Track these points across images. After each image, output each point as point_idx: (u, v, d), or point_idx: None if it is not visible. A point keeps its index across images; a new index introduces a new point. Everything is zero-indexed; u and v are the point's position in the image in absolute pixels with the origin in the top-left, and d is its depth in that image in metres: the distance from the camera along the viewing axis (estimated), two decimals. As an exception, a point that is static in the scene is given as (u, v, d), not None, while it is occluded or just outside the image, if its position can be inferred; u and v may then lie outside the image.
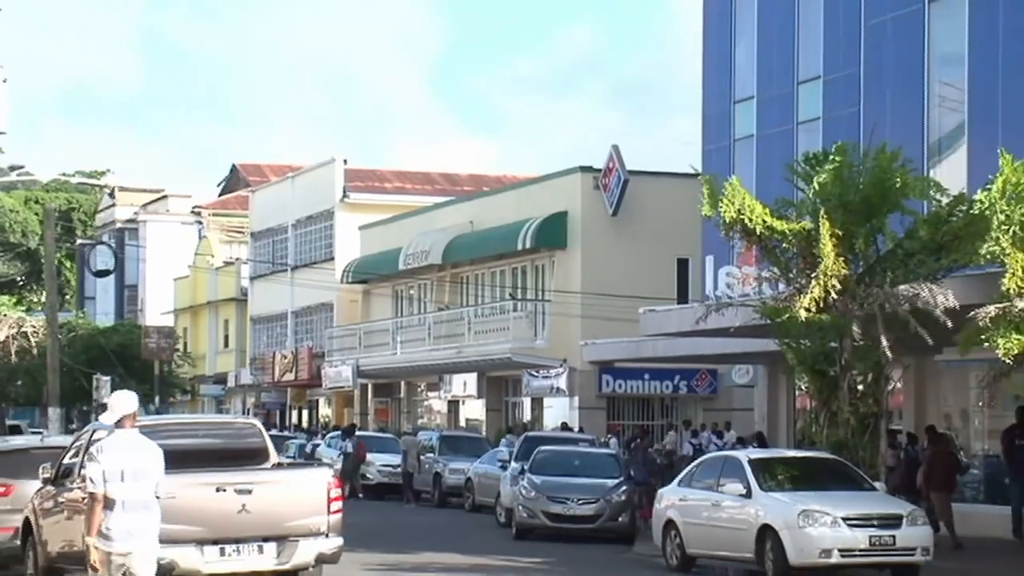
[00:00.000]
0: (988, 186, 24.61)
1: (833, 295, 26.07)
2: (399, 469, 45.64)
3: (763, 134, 38.45)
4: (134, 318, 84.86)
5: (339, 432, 54.47)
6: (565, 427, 47.96)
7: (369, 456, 47.62)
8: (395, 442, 49.56)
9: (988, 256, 24.12)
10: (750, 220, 26.79)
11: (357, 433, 52.54)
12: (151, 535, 14.29)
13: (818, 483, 25.07)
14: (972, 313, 22.96)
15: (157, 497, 14.36)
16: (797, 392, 38.18)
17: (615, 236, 51.02)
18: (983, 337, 22.35)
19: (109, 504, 14.11)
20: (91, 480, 14.24)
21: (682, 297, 46.14)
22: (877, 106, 34.43)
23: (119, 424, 14.47)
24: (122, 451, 14.24)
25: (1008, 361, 22.99)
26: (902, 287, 26.10)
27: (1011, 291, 22.59)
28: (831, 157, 27.51)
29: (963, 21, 32.37)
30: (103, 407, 59.74)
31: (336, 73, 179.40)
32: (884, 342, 26.06)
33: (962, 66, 32.50)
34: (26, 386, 68.61)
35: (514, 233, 53.75)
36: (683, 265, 47.59)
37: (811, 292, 26.03)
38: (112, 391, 58.75)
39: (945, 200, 27.33)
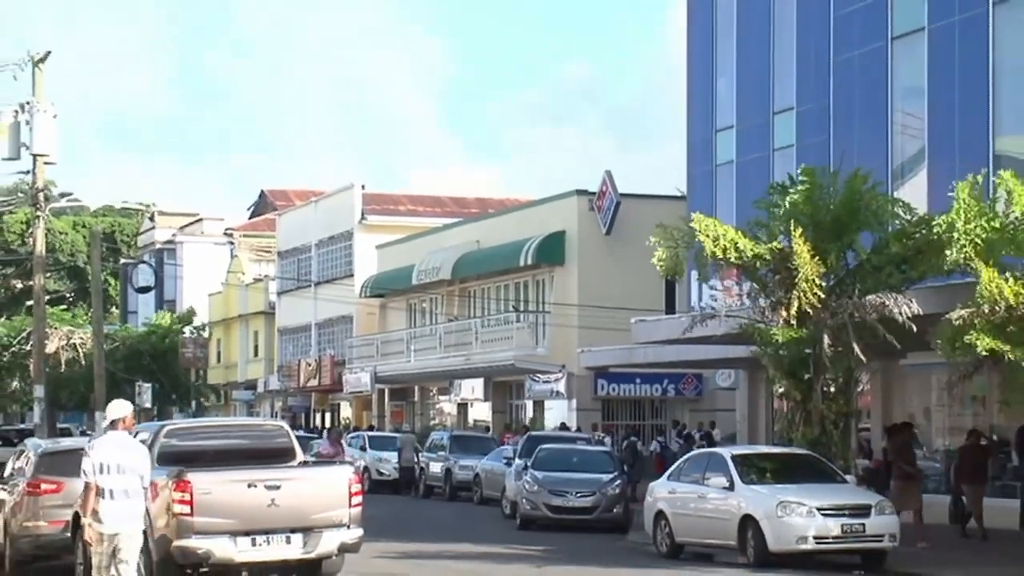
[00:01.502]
0: (947, 210, 24.44)
1: (808, 308, 26.08)
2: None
3: (742, 160, 38.42)
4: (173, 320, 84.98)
5: (359, 433, 54.56)
6: (563, 427, 47.95)
7: (384, 454, 47.75)
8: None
9: (954, 266, 23.91)
10: (731, 247, 26.81)
11: (372, 433, 52.61)
12: (136, 519, 15.49)
13: (795, 476, 25.04)
14: (946, 315, 22.85)
15: (144, 488, 15.57)
16: (775, 394, 38.14)
17: (608, 253, 51.02)
18: (965, 339, 22.20)
19: (100, 492, 15.31)
20: (84, 472, 15.56)
21: (670, 308, 46.10)
22: (846, 134, 34.42)
23: (112, 426, 15.87)
24: (111, 448, 15.56)
25: (984, 355, 22.59)
26: (870, 297, 26.11)
27: (983, 296, 22.42)
28: (800, 179, 27.60)
29: (923, 57, 32.38)
30: (146, 411, 59.90)
31: (355, 106, 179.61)
32: (856, 348, 26.08)
33: (922, 98, 32.49)
34: (75, 392, 68.64)
35: (517, 251, 53.76)
36: (670, 279, 47.58)
37: (793, 305, 26.07)
38: (153, 398, 59.11)
39: (910, 218, 27.40)
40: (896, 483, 27.82)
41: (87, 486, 15.50)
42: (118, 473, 15.40)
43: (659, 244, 27.90)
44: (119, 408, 15.99)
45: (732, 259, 27.04)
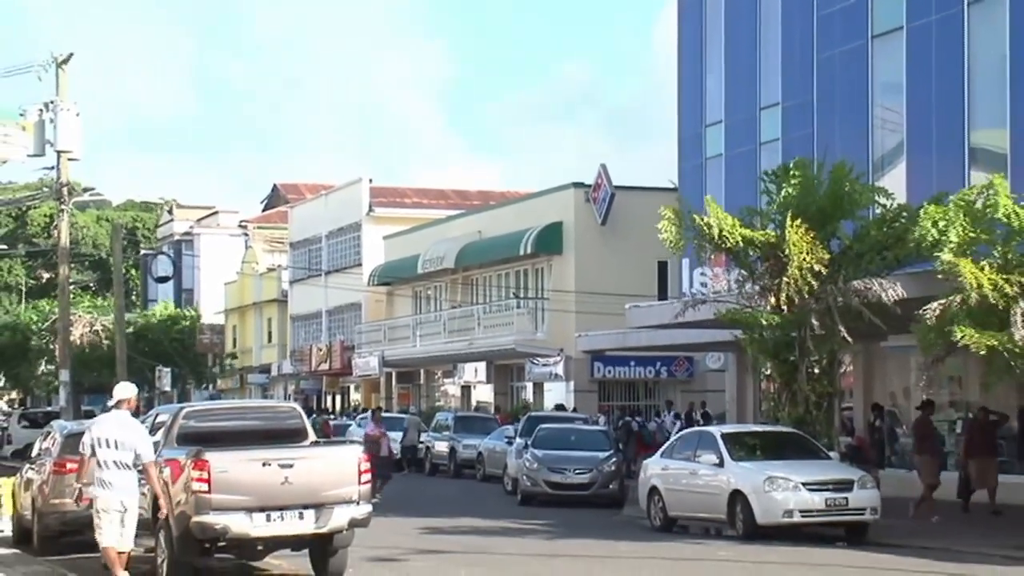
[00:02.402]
0: (928, 200, 24.23)
1: (795, 296, 26.06)
2: (419, 444, 45.65)
3: (730, 154, 38.38)
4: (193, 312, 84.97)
5: (369, 413, 54.50)
6: (559, 407, 47.97)
7: (391, 434, 47.60)
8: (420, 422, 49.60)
9: (947, 266, 23.49)
10: (729, 233, 26.78)
11: (382, 415, 52.49)
12: (132, 487, 16.36)
13: (781, 453, 25.03)
14: (923, 309, 22.79)
15: (139, 463, 16.31)
16: (762, 375, 38.12)
17: (604, 243, 51.01)
18: (946, 330, 22.09)
19: (101, 463, 16.14)
20: (82, 444, 16.59)
21: (662, 295, 46.09)
22: (828, 128, 34.37)
23: (116, 406, 16.63)
24: (112, 425, 16.40)
25: (976, 350, 22.36)
26: (855, 282, 26.10)
27: (964, 289, 22.28)
28: (792, 172, 27.54)
29: (901, 55, 32.32)
30: (165, 395, 59.90)
31: (363, 104, 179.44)
32: (841, 331, 26.07)
33: (901, 93, 32.43)
34: (99, 376, 68.61)
35: (517, 241, 53.72)
36: (663, 267, 47.53)
37: (783, 291, 26.06)
38: (172, 381, 59.12)
39: (890, 205, 27.39)
40: (919, 458, 27.58)
41: (82, 458, 16.52)
42: (116, 448, 16.21)
43: (667, 222, 27.74)
44: (126, 390, 16.80)
45: (728, 244, 27.01)
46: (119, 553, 16.19)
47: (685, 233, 27.83)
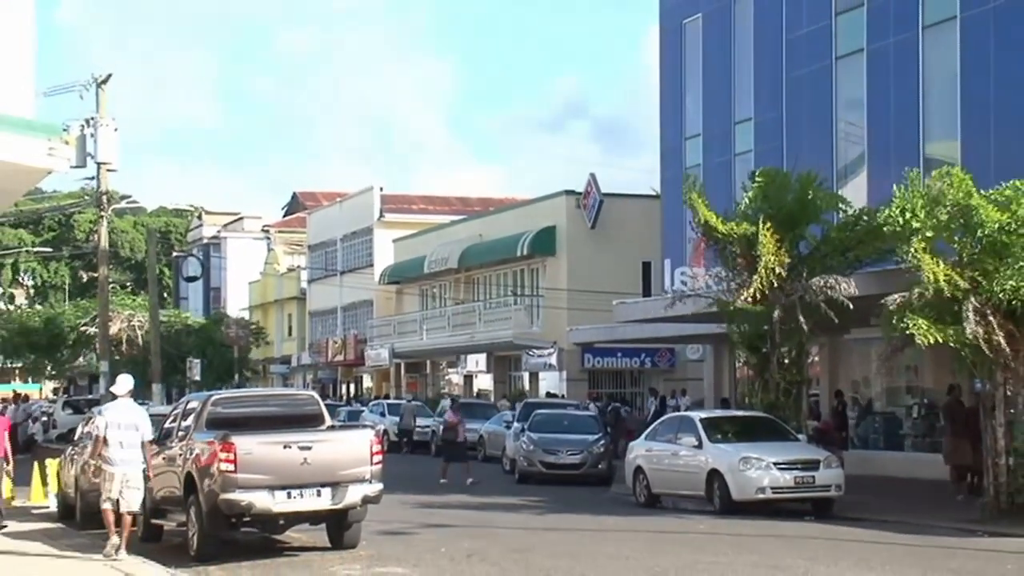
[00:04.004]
0: (887, 206, 23.69)
1: (767, 290, 26.08)
2: (428, 429, 45.63)
3: (708, 164, 38.40)
4: (220, 310, 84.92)
5: (379, 400, 54.53)
6: (549, 395, 47.96)
7: (391, 417, 47.26)
8: (424, 407, 49.54)
9: (912, 258, 22.81)
10: (721, 225, 26.91)
11: (391, 401, 52.23)
12: (137, 463, 17.46)
13: (754, 436, 25.05)
14: (883, 300, 22.71)
15: (143, 442, 17.54)
16: (737, 364, 38.18)
17: (593, 245, 51.00)
18: (902, 323, 21.91)
19: (111, 443, 17.37)
20: (96, 427, 17.92)
21: (646, 292, 46.12)
22: (796, 140, 34.40)
23: (122, 395, 17.93)
24: (121, 411, 17.69)
25: (923, 341, 22.02)
26: (815, 279, 26.14)
27: (923, 283, 22.03)
28: (757, 178, 27.70)
29: (862, 74, 32.35)
30: (195, 384, 59.80)
31: (375, 117, 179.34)
32: (804, 325, 26.10)
33: (862, 109, 32.47)
34: (136, 367, 68.48)
35: (514, 243, 53.72)
36: (647, 267, 47.55)
37: (754, 284, 26.08)
38: (201, 372, 59.00)
39: (851, 211, 27.41)
40: (947, 439, 27.02)
41: (97, 439, 17.63)
42: (125, 429, 17.43)
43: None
44: (128, 382, 18.04)
45: (716, 236, 27.11)
46: (128, 513, 17.33)
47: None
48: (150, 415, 22.06)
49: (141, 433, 17.52)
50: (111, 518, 17.32)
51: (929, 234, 22.09)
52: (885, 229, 23.16)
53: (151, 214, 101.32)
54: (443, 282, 62.25)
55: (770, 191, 27.29)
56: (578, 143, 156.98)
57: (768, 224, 26.13)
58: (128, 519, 17.34)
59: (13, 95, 14.57)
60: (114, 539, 17.14)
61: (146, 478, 17.75)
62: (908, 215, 22.24)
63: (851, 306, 25.20)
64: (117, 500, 17.27)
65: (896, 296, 22.23)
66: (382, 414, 48.32)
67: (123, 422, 17.48)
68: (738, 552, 17.96)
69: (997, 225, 21.55)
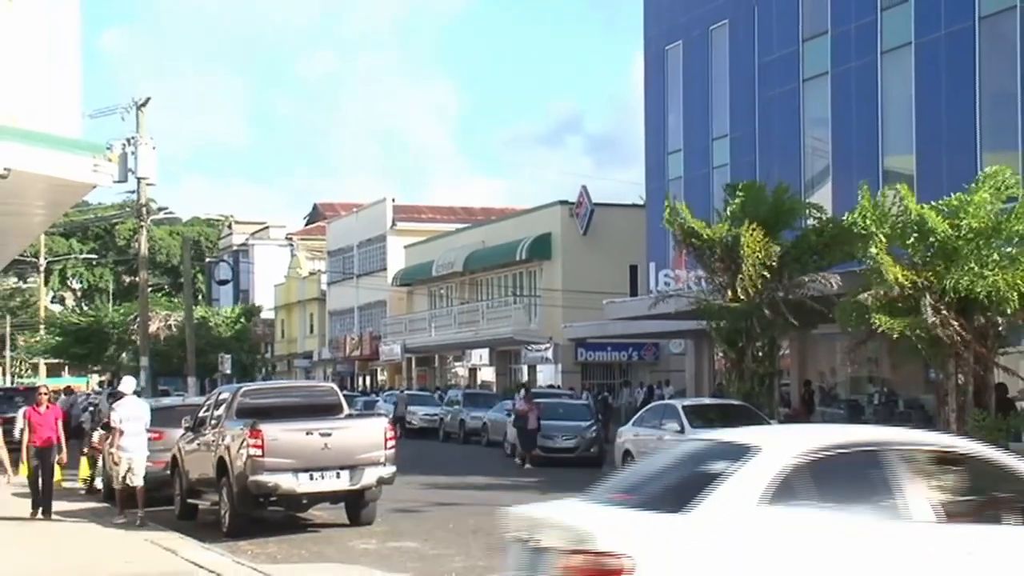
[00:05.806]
0: (852, 211, 23.79)
1: (751, 288, 26.08)
2: (435, 416, 45.60)
3: (689, 176, 38.43)
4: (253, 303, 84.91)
5: (393, 391, 54.41)
6: (548, 386, 47.81)
7: (411, 407, 47.17)
8: (432, 398, 49.49)
9: (872, 258, 22.94)
10: (700, 231, 26.88)
11: (405, 392, 52.22)
12: (143, 450, 18.99)
13: (731, 422, 24.73)
14: (852, 299, 22.69)
15: (147, 431, 19.22)
16: (716, 357, 38.17)
17: (585, 249, 51.00)
18: (865, 316, 21.94)
19: (122, 433, 18.83)
20: (113, 420, 19.27)
21: (633, 292, 46.17)
22: (768, 155, 34.45)
23: (128, 393, 19.66)
24: (131, 406, 19.24)
25: (890, 333, 22.03)
26: (804, 277, 26.16)
27: (885, 282, 22.06)
28: (739, 191, 27.65)
29: (827, 94, 32.41)
30: (227, 377, 59.66)
31: (387, 136, 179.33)
32: (791, 320, 26.05)
33: (827, 126, 32.53)
34: (174, 361, 68.53)
35: (513, 248, 53.74)
36: (634, 269, 47.57)
37: (745, 279, 26.07)
38: (231, 367, 59.04)
39: (823, 217, 27.43)
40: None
41: (115, 429, 19.06)
42: (135, 421, 18.98)
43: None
44: (130, 383, 20.15)
45: (697, 243, 27.08)
46: (134, 487, 18.69)
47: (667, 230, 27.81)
48: (186, 405, 22.57)
49: (144, 423, 19.21)
50: (124, 497, 19.02)
51: (883, 240, 22.17)
52: (854, 230, 23.20)
53: (186, 224, 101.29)
54: (450, 284, 62.27)
55: (747, 202, 27.30)
56: (573, 156, 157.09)
57: (752, 226, 26.15)
58: (141, 492, 18.72)
59: (62, 117, 14.61)
60: (139, 512, 18.54)
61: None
62: (869, 220, 22.36)
63: (815, 306, 25.17)
64: (125, 479, 18.81)
65: (867, 294, 22.30)
66: (395, 404, 48.22)
67: (133, 416, 19.05)
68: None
69: (944, 233, 21.65)
